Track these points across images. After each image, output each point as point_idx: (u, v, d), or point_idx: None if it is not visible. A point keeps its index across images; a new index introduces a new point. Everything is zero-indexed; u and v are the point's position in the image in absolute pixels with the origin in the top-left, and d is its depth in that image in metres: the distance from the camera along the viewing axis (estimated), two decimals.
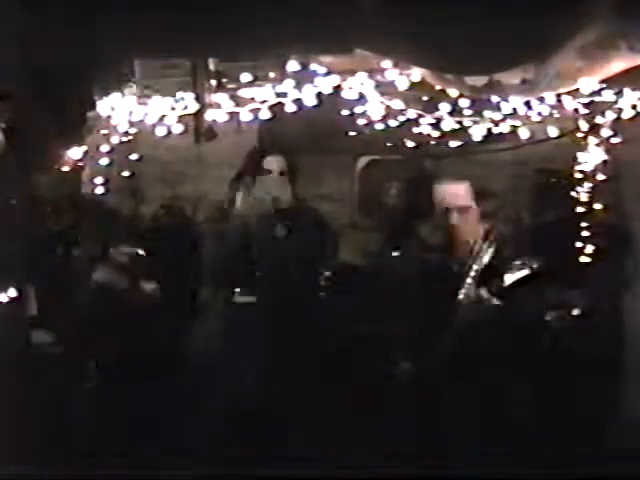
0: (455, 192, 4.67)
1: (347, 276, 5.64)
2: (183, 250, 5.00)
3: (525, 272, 4.25)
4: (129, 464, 4.15)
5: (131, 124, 4.94)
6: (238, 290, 4.40)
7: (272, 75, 4.61)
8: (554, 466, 4.09)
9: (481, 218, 4.55)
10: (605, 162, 5.47)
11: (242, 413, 4.28)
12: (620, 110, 5.00)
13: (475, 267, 4.39)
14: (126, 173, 5.31)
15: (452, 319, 4.40)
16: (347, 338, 5.09)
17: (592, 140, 5.41)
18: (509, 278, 4.27)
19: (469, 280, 4.36)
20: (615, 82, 4.63)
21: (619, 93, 4.83)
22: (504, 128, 5.14)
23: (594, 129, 5.29)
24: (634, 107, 4.95)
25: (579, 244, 5.52)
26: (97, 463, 4.17)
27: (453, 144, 5.45)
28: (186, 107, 4.69)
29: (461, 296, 4.38)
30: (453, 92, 4.76)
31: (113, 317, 4.62)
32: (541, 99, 4.75)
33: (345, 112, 5.00)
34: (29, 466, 4.12)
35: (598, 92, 4.74)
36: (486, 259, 4.41)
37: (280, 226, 4.22)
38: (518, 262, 4.29)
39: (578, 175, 5.57)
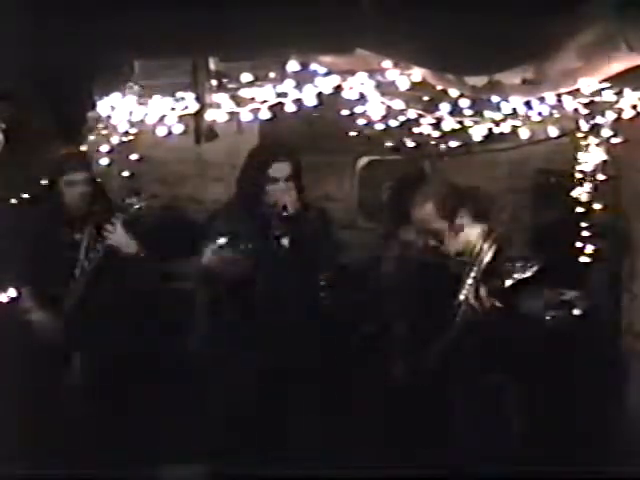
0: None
1: (346, 276, 5.64)
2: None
3: (527, 273, 4.22)
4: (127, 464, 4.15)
5: (131, 124, 4.94)
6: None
7: (272, 75, 4.61)
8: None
9: (481, 219, 4.53)
10: (605, 162, 5.47)
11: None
12: (620, 110, 5.00)
13: (475, 268, 4.37)
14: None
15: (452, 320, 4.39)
16: (348, 338, 5.09)
17: (592, 140, 5.42)
18: (510, 279, 4.25)
19: (469, 281, 4.35)
20: (615, 82, 4.61)
21: (619, 93, 4.83)
22: (504, 128, 5.15)
23: (594, 129, 5.29)
24: (634, 107, 4.95)
25: (579, 244, 5.54)
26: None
27: (453, 144, 5.45)
28: (186, 107, 4.69)
29: (462, 297, 4.36)
30: (454, 92, 4.76)
31: None
32: (541, 99, 4.75)
33: (345, 112, 4.99)
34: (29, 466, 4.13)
35: (598, 92, 4.74)
36: (486, 260, 4.39)
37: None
38: (519, 263, 4.26)
39: (578, 175, 5.57)
